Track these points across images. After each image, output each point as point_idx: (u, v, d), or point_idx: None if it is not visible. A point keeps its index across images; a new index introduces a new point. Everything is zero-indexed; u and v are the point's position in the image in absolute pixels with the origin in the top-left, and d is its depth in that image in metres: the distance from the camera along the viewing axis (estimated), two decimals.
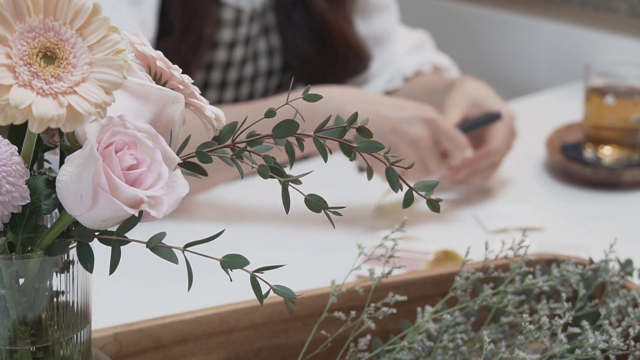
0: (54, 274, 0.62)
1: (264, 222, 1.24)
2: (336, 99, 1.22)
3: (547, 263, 0.88)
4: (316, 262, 1.13)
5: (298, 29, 1.46)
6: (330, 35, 1.45)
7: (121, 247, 0.59)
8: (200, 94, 0.65)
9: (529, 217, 1.24)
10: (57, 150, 0.62)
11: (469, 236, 1.19)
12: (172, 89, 0.63)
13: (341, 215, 0.61)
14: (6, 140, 0.58)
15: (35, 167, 0.62)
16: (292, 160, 0.63)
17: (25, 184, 0.58)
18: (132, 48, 0.63)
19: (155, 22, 1.31)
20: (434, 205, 0.62)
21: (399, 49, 1.52)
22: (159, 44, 1.34)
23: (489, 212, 1.25)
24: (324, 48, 1.45)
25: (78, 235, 0.59)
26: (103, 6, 0.57)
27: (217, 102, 1.45)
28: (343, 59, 1.48)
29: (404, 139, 1.22)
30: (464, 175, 1.28)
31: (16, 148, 0.58)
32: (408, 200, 0.62)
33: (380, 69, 1.52)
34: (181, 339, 0.81)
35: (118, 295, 1.02)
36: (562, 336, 0.74)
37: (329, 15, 1.45)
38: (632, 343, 0.77)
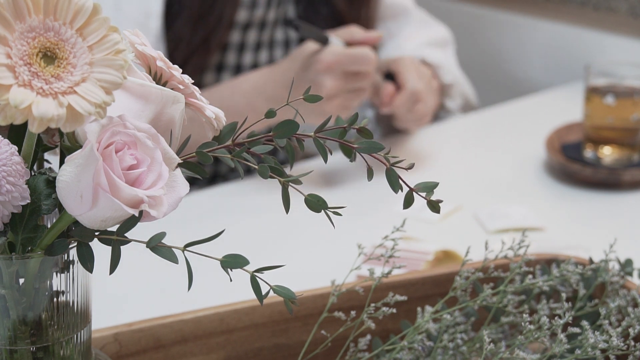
0: (54, 274, 0.62)
1: (264, 222, 1.24)
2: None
3: (547, 263, 0.88)
4: (316, 262, 1.13)
5: (321, 24, 1.47)
6: None
7: (121, 247, 0.59)
8: (200, 94, 0.65)
9: (529, 217, 1.24)
10: (57, 150, 0.62)
11: (469, 236, 1.19)
12: (172, 89, 0.63)
13: (341, 215, 0.61)
14: (6, 140, 0.58)
15: (35, 167, 0.62)
16: (292, 160, 0.63)
17: (25, 184, 0.58)
18: (132, 48, 0.63)
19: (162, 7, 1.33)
20: (434, 206, 0.62)
21: (411, 35, 1.57)
22: (173, 25, 1.36)
23: (489, 212, 1.25)
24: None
25: (78, 235, 0.59)
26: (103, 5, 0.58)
27: None
28: None
29: (325, 98, 1.27)
30: (391, 109, 1.37)
31: (16, 148, 0.58)
32: (408, 201, 0.62)
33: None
34: (181, 339, 0.81)
35: (118, 295, 1.02)
36: (562, 336, 0.74)
37: (347, 16, 1.48)
38: (632, 343, 0.77)
